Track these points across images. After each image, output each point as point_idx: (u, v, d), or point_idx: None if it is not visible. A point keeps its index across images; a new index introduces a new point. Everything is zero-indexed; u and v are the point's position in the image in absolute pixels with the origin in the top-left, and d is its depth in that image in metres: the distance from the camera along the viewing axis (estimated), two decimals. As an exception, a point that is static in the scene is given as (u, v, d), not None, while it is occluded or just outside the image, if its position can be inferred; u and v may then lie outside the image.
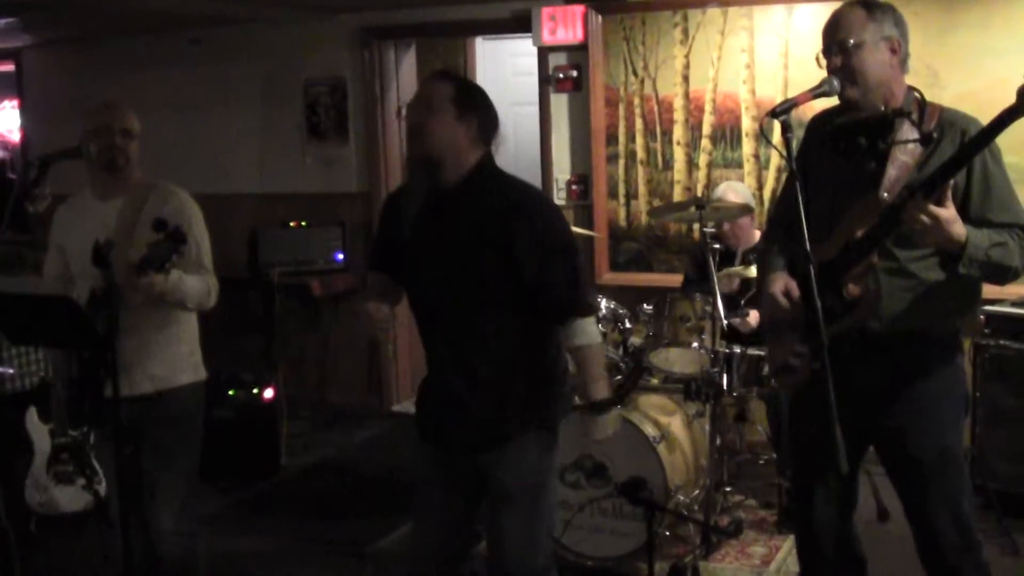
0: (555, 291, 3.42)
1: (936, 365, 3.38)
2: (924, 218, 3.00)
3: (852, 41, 3.26)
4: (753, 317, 5.43)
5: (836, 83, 3.26)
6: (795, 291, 3.40)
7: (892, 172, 3.26)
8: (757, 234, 5.88)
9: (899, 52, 3.32)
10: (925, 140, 3.21)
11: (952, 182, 3.02)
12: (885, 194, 3.23)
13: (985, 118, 3.25)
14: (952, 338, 3.43)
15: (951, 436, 3.40)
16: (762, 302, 3.64)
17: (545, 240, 3.39)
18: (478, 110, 3.42)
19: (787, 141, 3.09)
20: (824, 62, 3.33)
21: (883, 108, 3.26)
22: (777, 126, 3.13)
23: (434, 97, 3.37)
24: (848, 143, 3.35)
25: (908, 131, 3.26)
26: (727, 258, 5.71)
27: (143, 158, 4.11)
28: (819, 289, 3.27)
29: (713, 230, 5.66)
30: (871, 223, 3.23)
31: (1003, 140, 3.07)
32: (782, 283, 3.45)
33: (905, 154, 3.26)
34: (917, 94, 3.34)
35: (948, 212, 3.01)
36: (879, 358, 3.34)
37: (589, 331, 3.51)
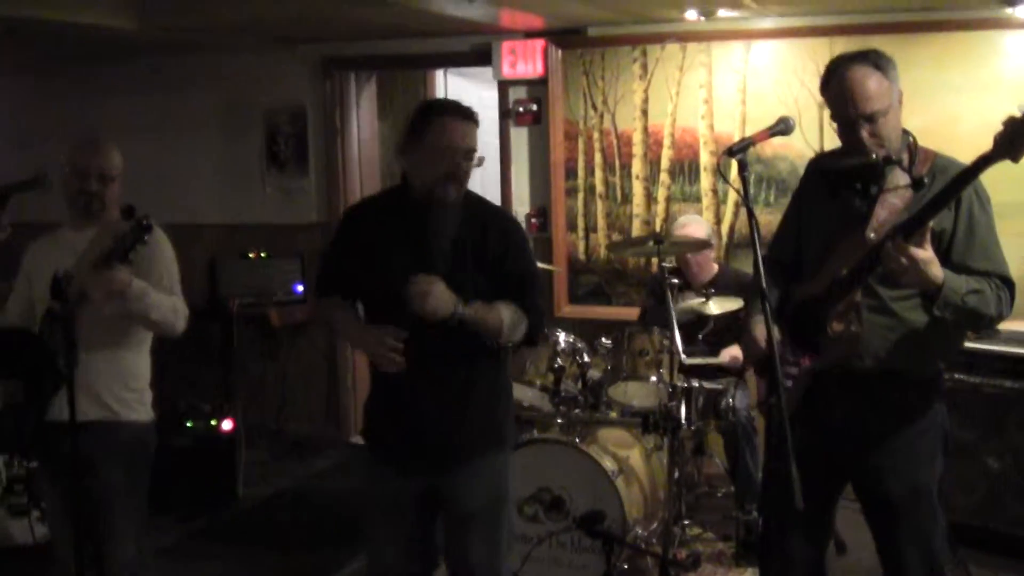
0: (525, 288, 3.61)
1: (915, 405, 3.41)
2: (901, 259, 3.05)
3: (880, 109, 3.26)
4: (726, 354, 5.47)
5: (792, 122, 3.30)
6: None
7: (881, 213, 3.30)
8: (715, 267, 5.93)
9: (901, 101, 3.35)
10: (916, 185, 3.25)
11: (933, 225, 3.07)
12: (872, 234, 3.27)
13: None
14: (932, 380, 3.46)
15: (924, 475, 3.43)
16: (743, 340, 3.66)
17: (526, 254, 3.66)
18: None
19: (744, 179, 3.13)
20: (837, 127, 3.35)
21: (874, 156, 3.28)
22: (734, 164, 3.16)
23: (474, 150, 3.49)
24: (841, 185, 3.40)
25: (899, 177, 3.31)
26: (686, 293, 5.72)
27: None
28: (804, 324, 3.33)
29: (672, 265, 5.70)
30: (856, 261, 3.27)
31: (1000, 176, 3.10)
32: (762, 330, 3.46)
33: (896, 197, 3.31)
34: (911, 138, 3.38)
35: (925, 254, 3.05)
36: (860, 395, 3.38)
37: (516, 325, 3.55)
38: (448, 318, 3.34)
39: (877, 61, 3.30)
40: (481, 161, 3.62)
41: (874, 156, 3.27)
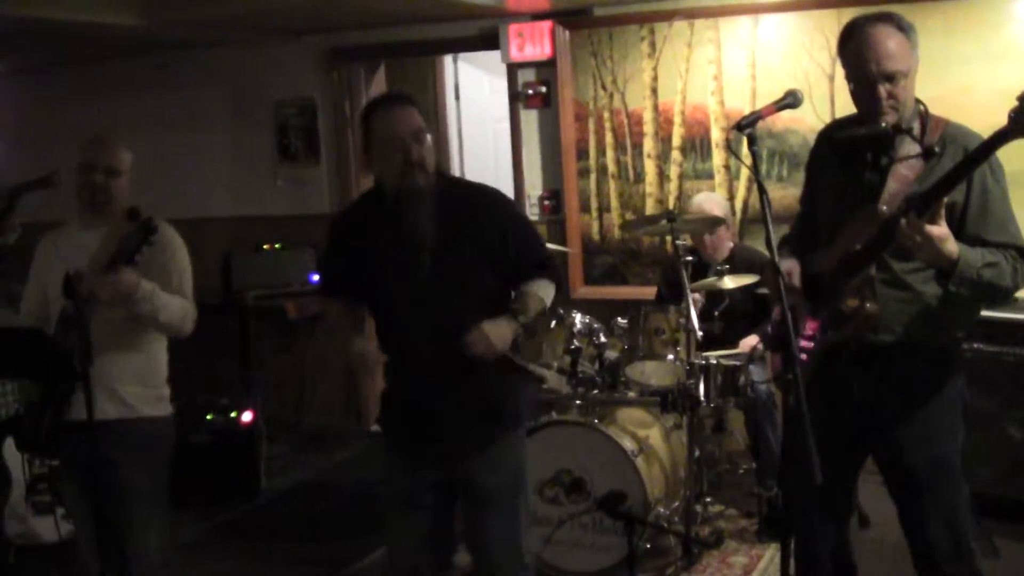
0: (533, 252, 3.64)
1: (934, 375, 3.38)
2: (916, 236, 3.02)
3: (903, 70, 3.21)
4: (745, 344, 5.44)
5: (799, 95, 3.26)
6: (795, 277, 3.45)
7: (892, 185, 3.27)
8: (731, 246, 5.90)
9: (916, 70, 3.31)
10: (927, 154, 3.20)
11: (948, 200, 3.04)
12: (884, 207, 3.24)
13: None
14: (950, 349, 3.44)
15: (947, 446, 3.41)
16: (768, 280, 3.68)
17: (510, 215, 3.65)
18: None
19: (753, 154, 3.10)
20: (852, 88, 3.30)
21: (884, 125, 3.24)
22: (744, 139, 3.14)
23: (423, 127, 3.45)
24: (851, 156, 3.37)
25: (910, 146, 3.27)
26: (701, 270, 5.71)
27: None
28: (818, 300, 3.30)
29: (688, 243, 5.68)
30: (869, 235, 3.24)
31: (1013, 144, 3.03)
32: (788, 263, 3.48)
33: (906, 167, 3.27)
34: (921, 107, 3.33)
35: (940, 230, 3.02)
36: (877, 369, 3.35)
37: (548, 292, 3.63)
38: (515, 340, 3.49)
39: (900, 23, 3.25)
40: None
41: (884, 124, 3.23)
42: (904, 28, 3.25)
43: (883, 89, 3.21)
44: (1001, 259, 3.18)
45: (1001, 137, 2.91)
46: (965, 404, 3.47)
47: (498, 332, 3.40)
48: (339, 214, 3.89)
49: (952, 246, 3.06)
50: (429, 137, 3.48)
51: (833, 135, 3.46)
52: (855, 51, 3.25)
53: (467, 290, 3.46)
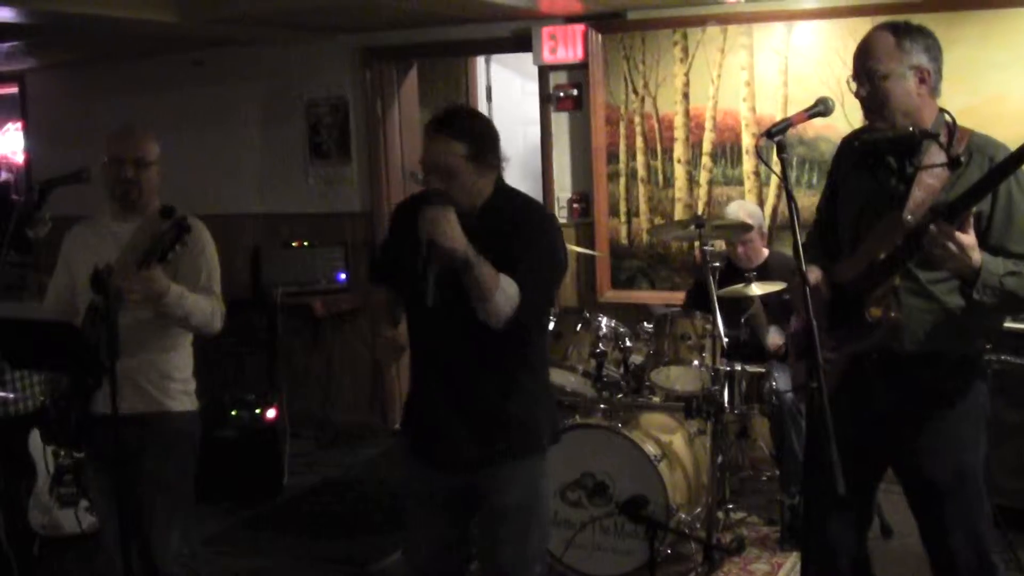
0: (529, 272, 3.34)
1: (956, 386, 3.35)
2: (949, 244, 3.00)
3: (879, 71, 3.23)
4: (773, 338, 5.43)
5: (831, 103, 3.25)
6: (823, 285, 3.43)
7: (918, 194, 3.25)
8: (765, 252, 5.88)
9: (928, 81, 3.28)
10: (953, 164, 3.19)
11: (974, 209, 3.02)
12: (909, 216, 3.22)
13: (985, 133, 3.28)
14: (974, 359, 3.42)
15: (969, 457, 3.38)
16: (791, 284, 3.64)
17: (537, 243, 3.40)
18: (489, 155, 3.39)
19: (783, 161, 3.10)
20: (854, 86, 3.31)
21: (911, 128, 3.23)
22: (774, 146, 3.14)
23: (451, 163, 3.31)
24: (876, 161, 3.36)
25: (936, 154, 3.25)
26: (733, 277, 5.67)
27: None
28: (841, 309, 3.28)
29: (719, 249, 5.67)
30: (894, 244, 3.23)
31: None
32: (817, 272, 3.45)
33: (932, 177, 3.25)
34: (948, 117, 3.31)
35: (968, 239, 3.01)
36: (899, 378, 3.34)
37: (510, 289, 3.26)
38: (458, 254, 3.17)
39: (896, 27, 3.27)
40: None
41: (911, 128, 3.23)
42: (899, 33, 3.26)
43: (861, 89, 3.27)
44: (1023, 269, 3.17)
45: None
46: (988, 415, 3.45)
47: (453, 224, 3.17)
48: (406, 200, 3.78)
49: (977, 255, 3.04)
50: (469, 168, 3.33)
51: (859, 138, 3.45)
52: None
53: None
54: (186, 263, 3.90)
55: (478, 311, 3.25)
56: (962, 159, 3.18)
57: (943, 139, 3.25)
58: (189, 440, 4.13)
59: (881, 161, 3.35)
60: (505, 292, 3.23)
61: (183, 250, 3.73)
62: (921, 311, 3.28)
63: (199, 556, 4.22)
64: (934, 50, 3.30)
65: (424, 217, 3.19)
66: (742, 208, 5.93)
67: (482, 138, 3.38)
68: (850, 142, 3.54)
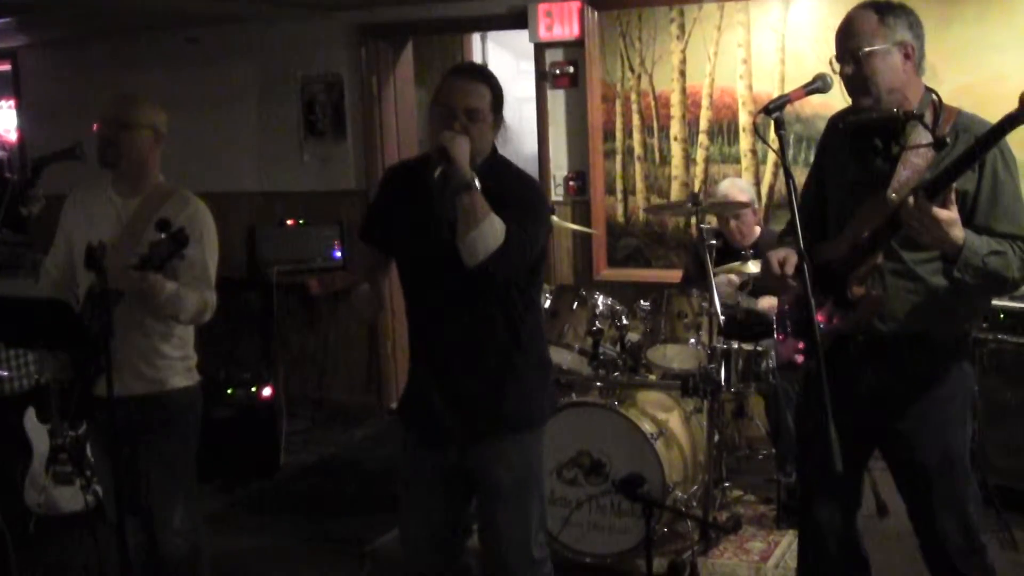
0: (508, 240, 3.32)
1: (942, 367, 3.35)
2: (922, 217, 2.99)
3: (864, 50, 3.22)
4: (764, 302, 5.42)
5: (829, 79, 3.24)
6: (790, 266, 3.37)
7: (903, 173, 3.24)
8: (758, 230, 5.88)
9: (913, 57, 3.26)
10: (938, 145, 3.17)
11: (956, 186, 3.00)
12: (893, 195, 3.21)
13: (983, 113, 3.26)
14: (959, 341, 3.40)
15: (956, 439, 3.38)
16: (761, 268, 3.63)
17: (527, 210, 3.42)
18: (502, 111, 3.51)
19: (781, 138, 3.09)
20: (837, 67, 3.30)
21: (896, 110, 3.23)
22: (772, 123, 3.12)
23: (480, 106, 3.39)
24: (862, 143, 3.35)
25: (922, 135, 3.24)
26: (729, 255, 5.68)
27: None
28: (825, 287, 3.27)
29: (715, 227, 5.66)
30: (878, 223, 3.22)
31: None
32: (783, 252, 3.43)
33: (918, 156, 3.24)
34: (934, 96, 3.29)
35: (948, 214, 2.99)
36: (885, 360, 3.33)
37: (495, 225, 3.27)
38: (466, 171, 3.24)
39: (878, 5, 3.26)
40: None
41: (896, 110, 3.21)
42: (882, 11, 3.25)
43: (846, 68, 3.26)
44: (1008, 249, 3.14)
45: (1011, 121, 2.87)
46: (974, 396, 3.45)
47: (466, 150, 3.28)
48: (395, 164, 3.83)
49: (959, 232, 3.02)
50: (489, 117, 3.42)
51: (845, 119, 3.43)
52: None
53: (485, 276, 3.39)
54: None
55: (461, 250, 3.25)
56: (948, 140, 3.16)
57: (928, 119, 3.23)
58: (191, 415, 4.12)
59: (867, 142, 3.34)
60: (493, 225, 3.25)
61: (181, 265, 3.75)
62: (905, 291, 3.27)
63: (201, 530, 4.21)
64: (917, 27, 3.29)
65: (444, 135, 3.27)
66: (734, 185, 5.94)
67: (501, 93, 3.51)
68: (836, 123, 3.52)
